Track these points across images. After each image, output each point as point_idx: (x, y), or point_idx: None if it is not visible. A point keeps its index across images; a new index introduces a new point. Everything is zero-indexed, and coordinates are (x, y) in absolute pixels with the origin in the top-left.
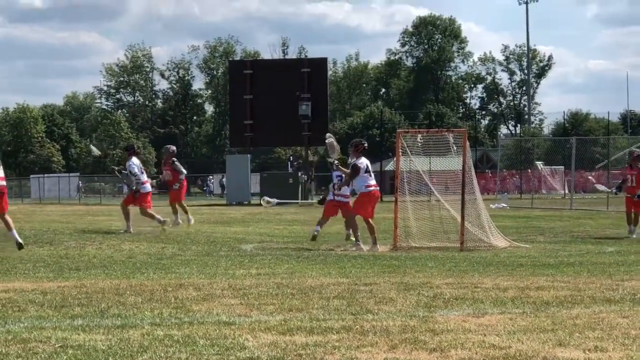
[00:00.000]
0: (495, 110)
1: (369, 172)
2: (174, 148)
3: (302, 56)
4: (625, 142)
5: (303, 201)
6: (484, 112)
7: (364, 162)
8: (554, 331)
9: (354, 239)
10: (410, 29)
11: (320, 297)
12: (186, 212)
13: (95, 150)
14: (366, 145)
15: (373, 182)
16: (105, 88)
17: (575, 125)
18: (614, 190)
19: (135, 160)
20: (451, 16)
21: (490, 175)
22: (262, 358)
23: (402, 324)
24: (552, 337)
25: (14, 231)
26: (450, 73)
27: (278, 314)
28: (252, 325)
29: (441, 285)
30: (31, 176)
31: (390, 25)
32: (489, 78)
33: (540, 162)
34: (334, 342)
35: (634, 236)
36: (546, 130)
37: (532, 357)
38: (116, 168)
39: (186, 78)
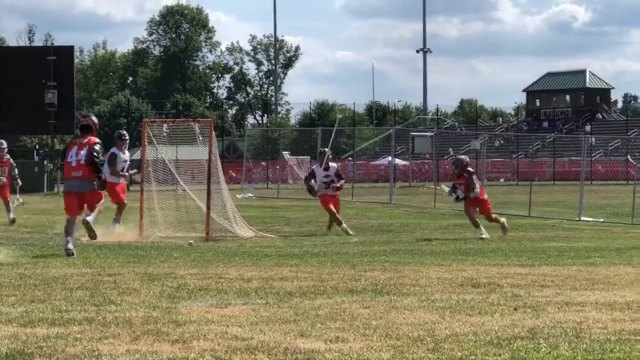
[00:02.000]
0: (243, 100)
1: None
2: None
3: (49, 44)
4: (370, 132)
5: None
6: (231, 102)
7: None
8: (296, 322)
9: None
10: (158, 18)
11: (63, 287)
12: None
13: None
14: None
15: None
16: None
17: (322, 115)
18: (458, 195)
19: None
20: (199, 5)
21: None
22: (2, 351)
23: (145, 315)
24: (294, 328)
25: None
26: (197, 62)
27: (20, 306)
28: None
29: (185, 276)
30: None
31: (140, 14)
32: (237, 68)
33: (286, 152)
34: (76, 334)
35: (484, 236)
36: (293, 120)
37: (274, 348)
38: None
39: None
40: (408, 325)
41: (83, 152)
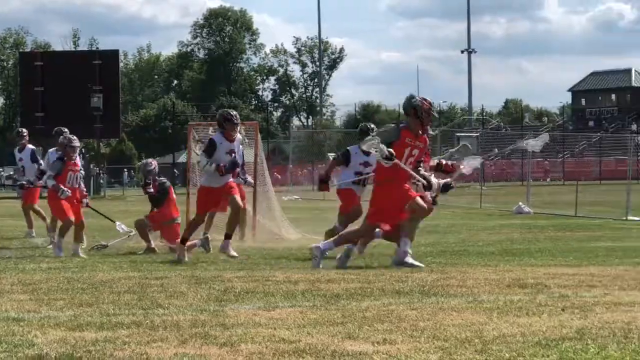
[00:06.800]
0: (288, 102)
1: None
2: None
3: (94, 48)
4: None
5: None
6: (276, 104)
7: None
8: (343, 324)
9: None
10: (201, 21)
11: (111, 291)
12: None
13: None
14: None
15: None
16: None
17: (367, 116)
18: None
19: None
20: (242, 8)
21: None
22: (51, 355)
23: (192, 318)
24: (341, 330)
25: None
26: (242, 65)
27: (68, 310)
28: (41, 322)
29: (232, 279)
30: None
31: (184, 17)
32: (281, 70)
33: (332, 154)
34: (124, 338)
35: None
36: (338, 122)
37: (322, 351)
38: None
39: None
40: (456, 326)
41: None
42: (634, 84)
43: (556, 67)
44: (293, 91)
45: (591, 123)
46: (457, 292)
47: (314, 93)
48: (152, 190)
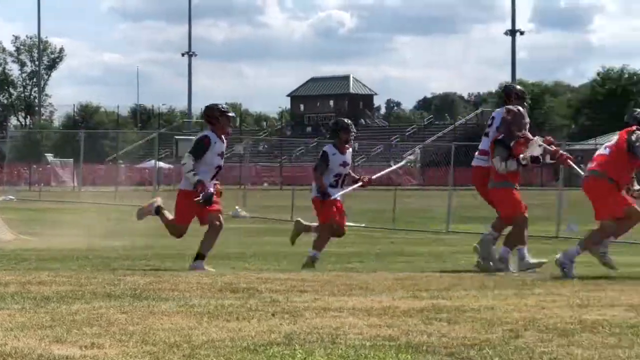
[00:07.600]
0: (5, 101)
1: None
2: None
3: None
4: (134, 135)
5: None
6: None
7: None
8: (52, 327)
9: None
10: None
11: None
12: None
13: None
14: None
15: None
16: None
17: (86, 118)
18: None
19: None
20: None
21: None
22: None
23: None
24: (49, 334)
25: None
26: None
27: None
28: None
29: None
30: None
31: None
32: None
33: (50, 155)
34: None
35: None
36: (57, 122)
37: (28, 355)
38: None
39: None
40: (165, 330)
41: None
42: (351, 90)
43: (276, 72)
44: (11, 90)
45: (309, 128)
46: (169, 296)
47: (32, 93)
48: None
